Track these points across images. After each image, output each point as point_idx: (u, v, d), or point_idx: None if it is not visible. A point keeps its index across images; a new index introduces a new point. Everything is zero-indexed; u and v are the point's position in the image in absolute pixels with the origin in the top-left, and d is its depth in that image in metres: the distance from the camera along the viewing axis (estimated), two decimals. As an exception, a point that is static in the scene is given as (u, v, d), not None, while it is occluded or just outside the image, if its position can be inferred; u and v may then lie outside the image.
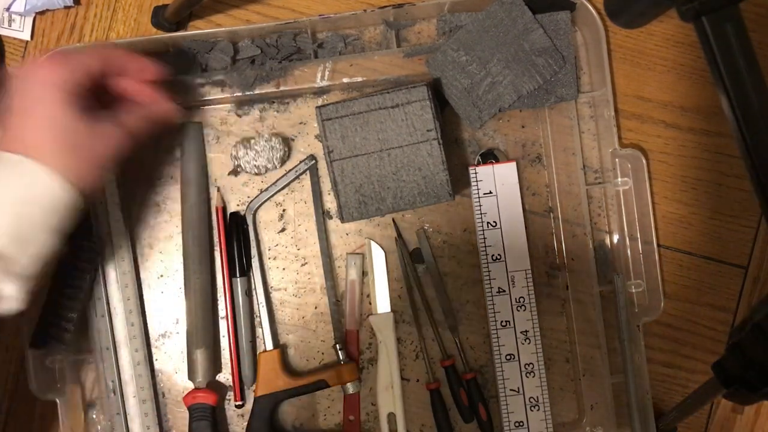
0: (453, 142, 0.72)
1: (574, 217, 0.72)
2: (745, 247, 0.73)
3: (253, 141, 0.70)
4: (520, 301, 0.70)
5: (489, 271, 0.71)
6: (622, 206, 0.72)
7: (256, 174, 0.71)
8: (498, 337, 0.70)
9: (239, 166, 0.71)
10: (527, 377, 0.70)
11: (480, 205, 0.71)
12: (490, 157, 0.72)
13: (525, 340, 0.70)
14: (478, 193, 0.71)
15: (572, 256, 0.72)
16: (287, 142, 0.72)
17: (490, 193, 0.71)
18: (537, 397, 0.70)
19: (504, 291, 0.71)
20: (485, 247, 0.71)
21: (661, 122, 0.73)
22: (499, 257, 0.71)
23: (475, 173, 0.71)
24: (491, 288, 0.71)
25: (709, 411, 0.73)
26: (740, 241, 0.73)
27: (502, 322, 0.70)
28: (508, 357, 0.70)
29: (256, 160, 0.70)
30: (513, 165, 0.71)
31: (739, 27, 0.52)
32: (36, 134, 0.54)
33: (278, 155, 0.70)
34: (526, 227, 0.71)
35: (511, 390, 0.70)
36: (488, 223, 0.71)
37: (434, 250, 0.72)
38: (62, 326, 0.66)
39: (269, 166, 0.70)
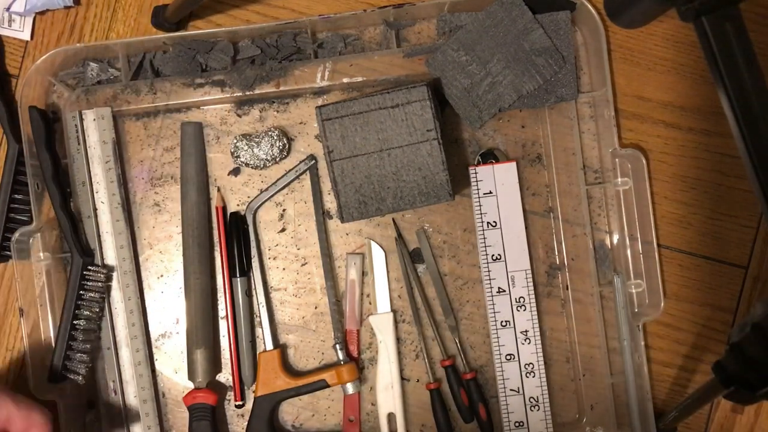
0: (453, 142, 0.72)
1: (574, 217, 0.72)
2: (745, 247, 0.73)
3: (253, 134, 0.71)
4: (520, 301, 0.70)
5: (489, 271, 0.71)
6: (622, 206, 0.72)
7: (256, 167, 0.71)
8: (498, 337, 0.70)
9: (239, 158, 0.70)
10: (527, 377, 0.70)
11: (480, 205, 0.71)
12: (490, 157, 0.72)
13: (525, 340, 0.70)
14: (478, 193, 0.71)
15: (572, 256, 0.72)
16: (287, 135, 0.72)
17: (490, 193, 0.71)
18: (537, 397, 0.70)
19: (504, 291, 0.71)
20: (485, 247, 0.71)
21: (661, 122, 0.73)
22: (499, 257, 0.71)
23: (475, 173, 0.71)
24: (491, 288, 0.71)
25: (709, 411, 0.73)
26: (740, 241, 0.73)
27: (502, 322, 0.70)
28: (508, 357, 0.70)
29: (255, 152, 0.70)
30: (513, 165, 0.71)
31: (739, 27, 0.52)
32: None
33: (278, 146, 0.70)
34: (526, 227, 0.71)
35: (511, 390, 0.70)
36: (488, 223, 0.71)
37: (434, 250, 0.72)
38: (78, 359, 0.65)
39: (268, 158, 0.70)
